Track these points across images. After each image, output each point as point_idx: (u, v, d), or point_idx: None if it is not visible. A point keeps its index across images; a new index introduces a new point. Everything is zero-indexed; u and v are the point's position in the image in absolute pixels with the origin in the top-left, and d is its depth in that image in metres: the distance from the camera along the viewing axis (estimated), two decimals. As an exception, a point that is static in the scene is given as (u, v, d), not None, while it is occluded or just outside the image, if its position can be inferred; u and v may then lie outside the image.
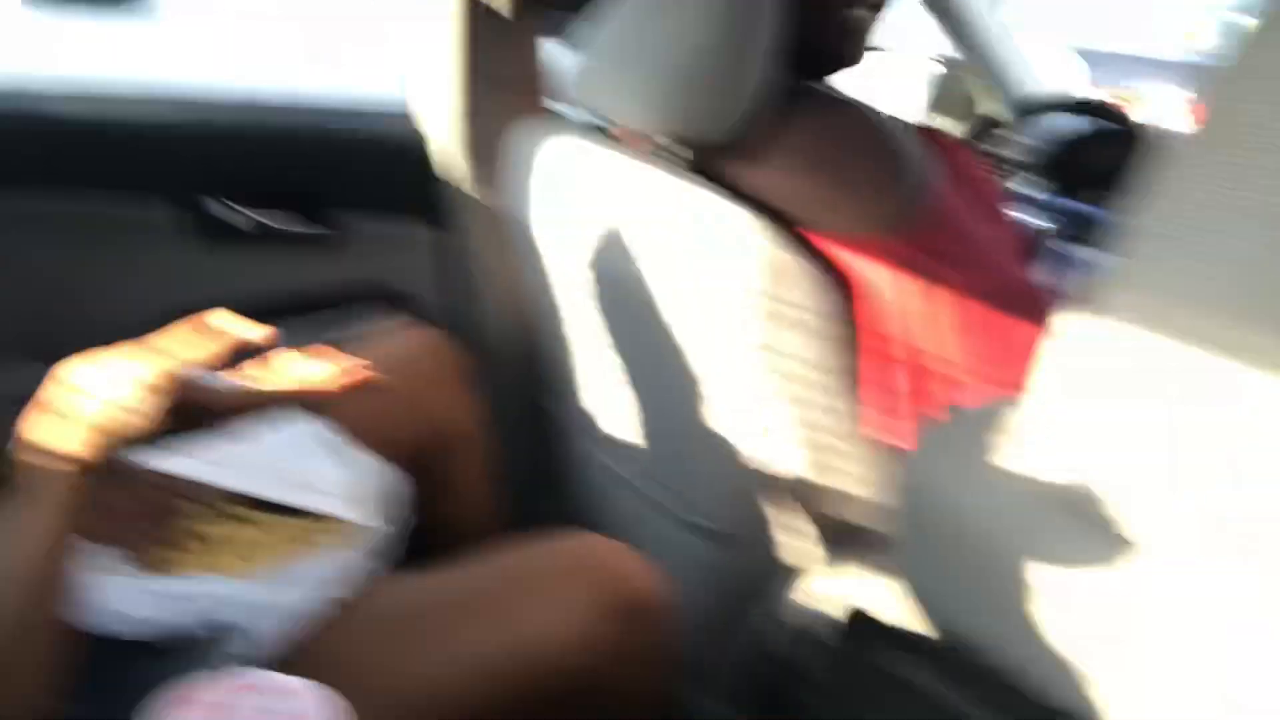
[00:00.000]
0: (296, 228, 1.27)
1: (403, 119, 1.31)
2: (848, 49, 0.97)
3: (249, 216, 1.25)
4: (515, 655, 0.80)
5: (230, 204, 1.24)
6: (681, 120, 0.88)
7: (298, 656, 0.74)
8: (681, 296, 0.91)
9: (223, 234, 1.25)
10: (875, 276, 0.87)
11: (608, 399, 1.11)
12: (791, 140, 0.89)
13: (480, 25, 1.22)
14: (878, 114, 0.90)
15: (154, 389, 0.57)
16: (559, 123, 1.09)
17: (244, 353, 0.62)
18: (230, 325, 0.60)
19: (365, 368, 0.70)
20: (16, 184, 1.16)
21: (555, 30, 1.26)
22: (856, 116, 0.90)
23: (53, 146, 1.17)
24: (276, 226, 1.27)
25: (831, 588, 0.87)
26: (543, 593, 0.82)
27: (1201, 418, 0.42)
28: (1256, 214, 0.41)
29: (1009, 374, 0.88)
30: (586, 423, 1.17)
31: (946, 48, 1.72)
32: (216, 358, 0.58)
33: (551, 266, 1.08)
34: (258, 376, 0.65)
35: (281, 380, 0.64)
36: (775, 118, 0.88)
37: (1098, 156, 1.52)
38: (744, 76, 0.86)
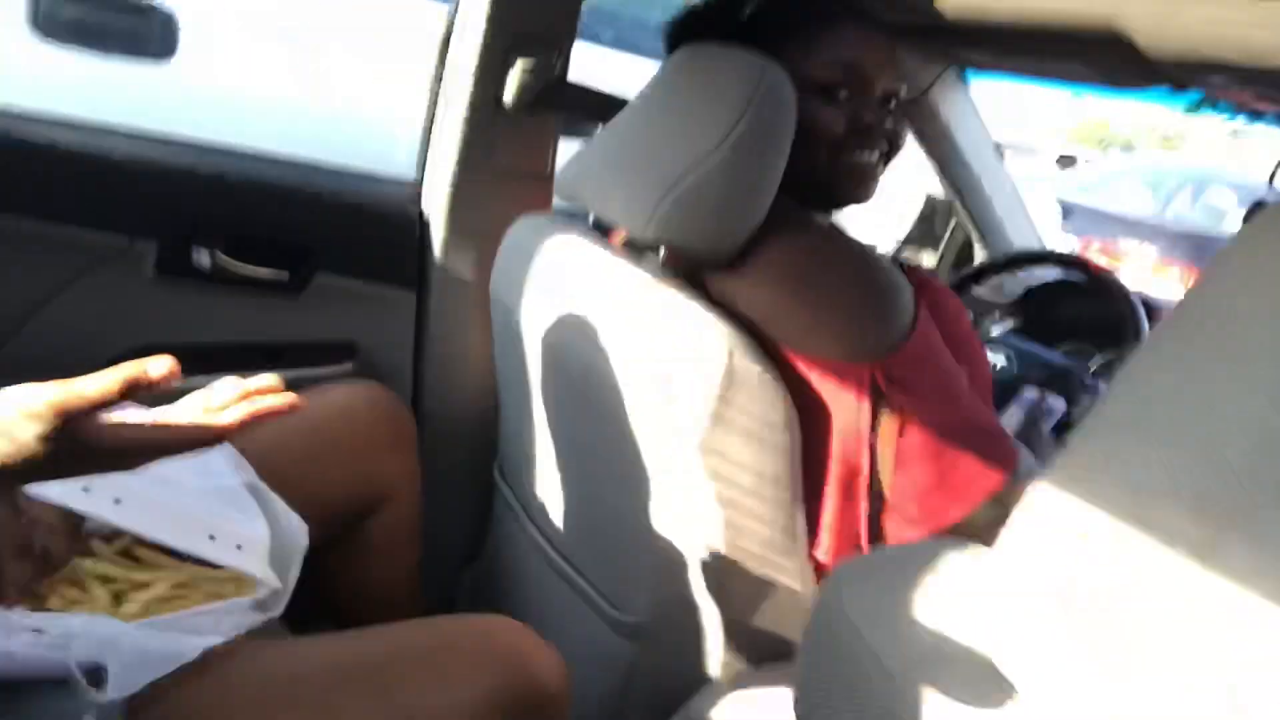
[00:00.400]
0: (270, 276, 1.26)
1: (407, 191, 1.32)
2: (854, 191, 1.00)
3: (228, 262, 1.24)
4: None
5: (217, 251, 1.24)
6: (681, 237, 0.89)
7: (160, 710, 0.70)
8: (637, 392, 0.91)
9: (198, 277, 1.24)
10: (839, 400, 0.87)
11: (551, 484, 1.10)
12: (780, 261, 0.90)
13: (495, 116, 1.25)
14: (865, 248, 0.92)
15: (36, 416, 0.54)
16: (560, 218, 1.11)
17: (165, 395, 0.59)
18: (161, 369, 0.56)
19: (294, 409, 0.67)
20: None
21: (575, 131, 1.30)
22: (846, 248, 0.91)
23: (39, 174, 1.16)
24: (248, 274, 1.26)
25: (745, 704, 0.84)
26: (435, 671, 0.79)
27: (1137, 611, 0.41)
28: (1220, 413, 0.41)
29: (944, 512, 0.87)
30: (526, 503, 1.16)
31: (934, 184, 1.76)
32: (124, 394, 0.55)
33: (524, 350, 1.07)
34: (173, 413, 0.62)
35: (197, 417, 0.61)
36: (768, 238, 0.90)
37: (1070, 309, 1.54)
38: (753, 203, 0.88)
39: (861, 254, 0.91)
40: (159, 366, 0.54)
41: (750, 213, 0.89)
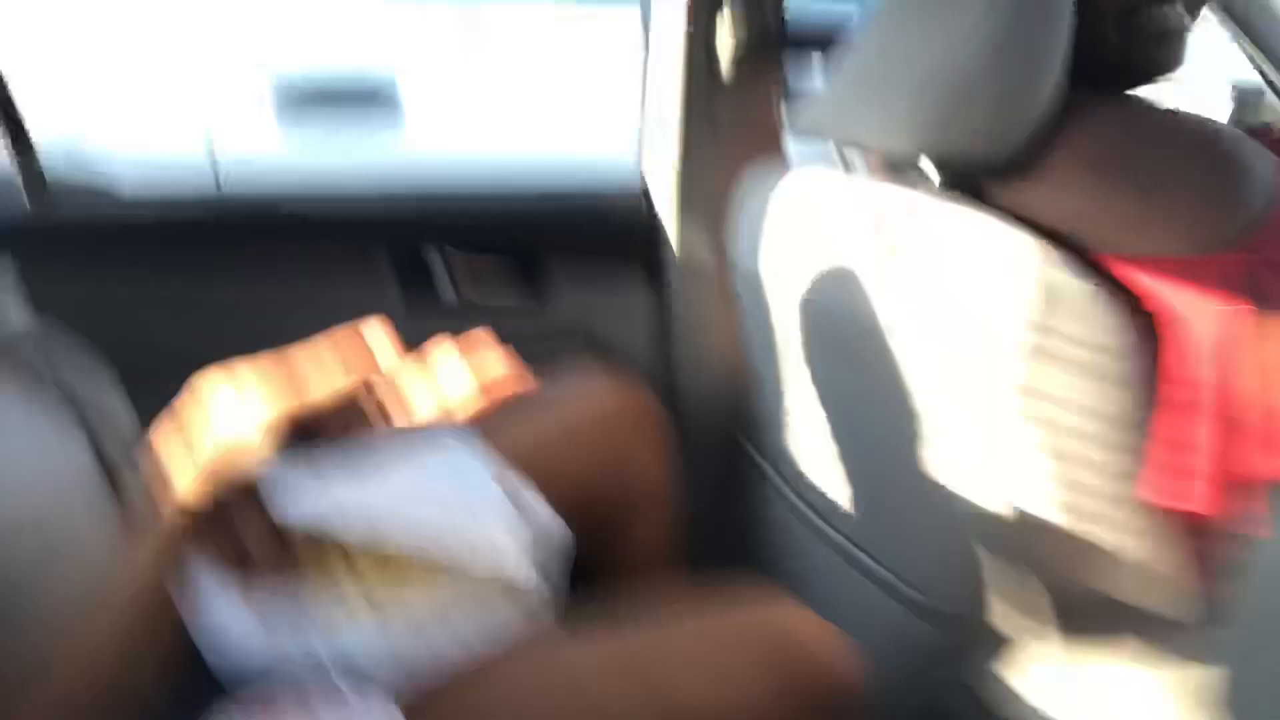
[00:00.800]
0: (506, 298, 1.23)
1: (630, 174, 1.27)
2: (1157, 58, 0.79)
3: (462, 286, 1.23)
4: None
5: (450, 256, 1.25)
6: (957, 141, 0.75)
7: (421, 715, 0.65)
8: (923, 334, 0.76)
9: (431, 299, 1.24)
10: (1185, 304, 0.68)
11: (823, 457, 0.95)
12: (1088, 150, 0.73)
13: (710, 75, 1.15)
14: (1196, 116, 0.73)
15: (273, 428, 0.50)
16: (798, 162, 0.99)
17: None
18: (381, 341, 0.52)
19: (532, 388, 0.60)
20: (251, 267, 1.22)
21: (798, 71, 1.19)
22: (1171, 121, 0.73)
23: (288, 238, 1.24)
24: (485, 301, 1.26)
25: (1087, 695, 0.66)
26: (715, 665, 0.68)
27: None
28: None
29: None
30: (791, 476, 1.02)
31: (1246, 74, 1.46)
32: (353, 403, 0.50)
33: (775, 311, 0.96)
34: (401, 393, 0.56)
35: (428, 396, 0.54)
36: (1064, 129, 0.73)
37: None
38: (1033, 90, 0.73)
39: (1192, 127, 0.72)
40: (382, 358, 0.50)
41: (1031, 101, 0.72)
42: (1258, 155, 0.70)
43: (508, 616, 0.73)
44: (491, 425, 0.91)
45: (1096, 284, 0.68)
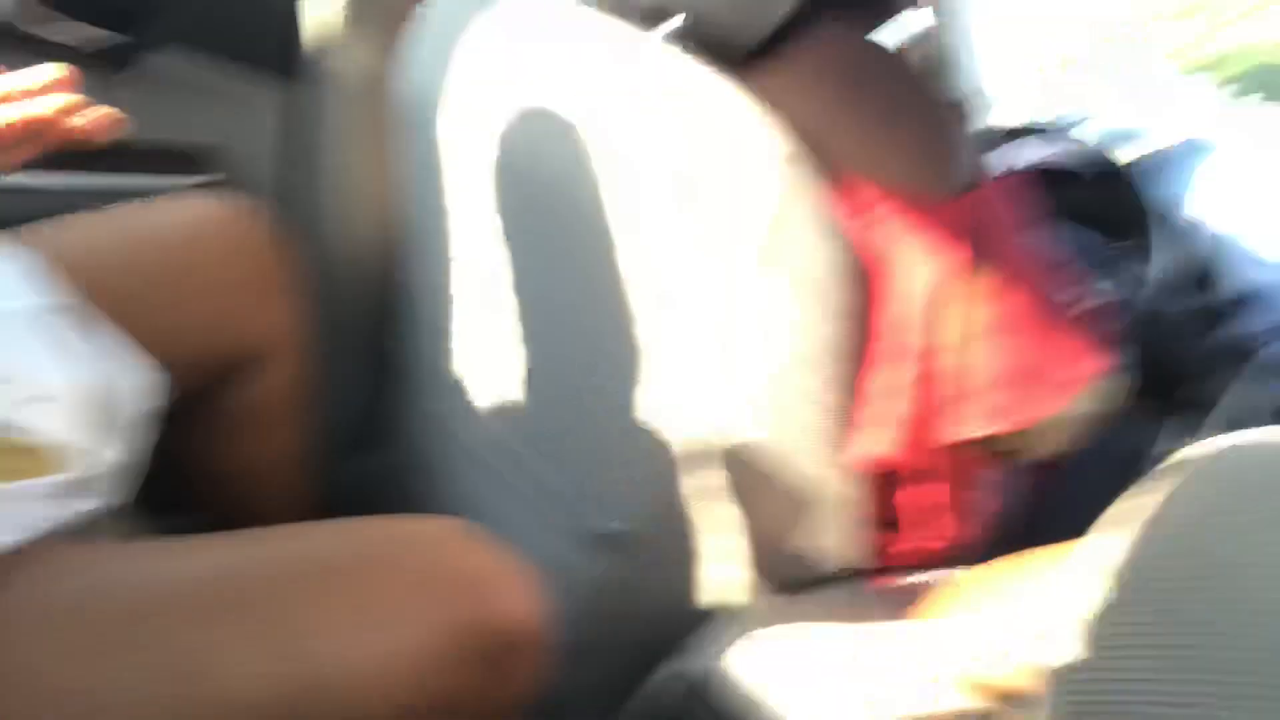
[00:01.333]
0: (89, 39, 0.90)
1: None
2: None
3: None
4: (299, 692, 0.48)
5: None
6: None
7: None
8: (642, 216, 0.65)
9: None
10: (907, 247, 0.66)
11: (487, 349, 0.81)
12: (835, 62, 0.71)
13: None
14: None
15: None
16: None
17: None
18: None
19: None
20: None
21: None
22: (904, 60, 0.76)
23: None
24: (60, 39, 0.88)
25: (765, 646, 0.62)
26: (359, 600, 0.52)
27: None
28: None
29: (1041, 399, 0.68)
30: (446, 375, 0.86)
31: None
32: None
33: (445, 165, 0.79)
34: None
35: None
36: (811, 32, 0.69)
37: (1076, 191, 1.35)
38: None
39: (917, 65, 0.75)
40: None
41: None
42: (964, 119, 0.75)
43: (43, 498, 0.51)
44: (57, 235, 0.67)
45: (834, 203, 0.64)
